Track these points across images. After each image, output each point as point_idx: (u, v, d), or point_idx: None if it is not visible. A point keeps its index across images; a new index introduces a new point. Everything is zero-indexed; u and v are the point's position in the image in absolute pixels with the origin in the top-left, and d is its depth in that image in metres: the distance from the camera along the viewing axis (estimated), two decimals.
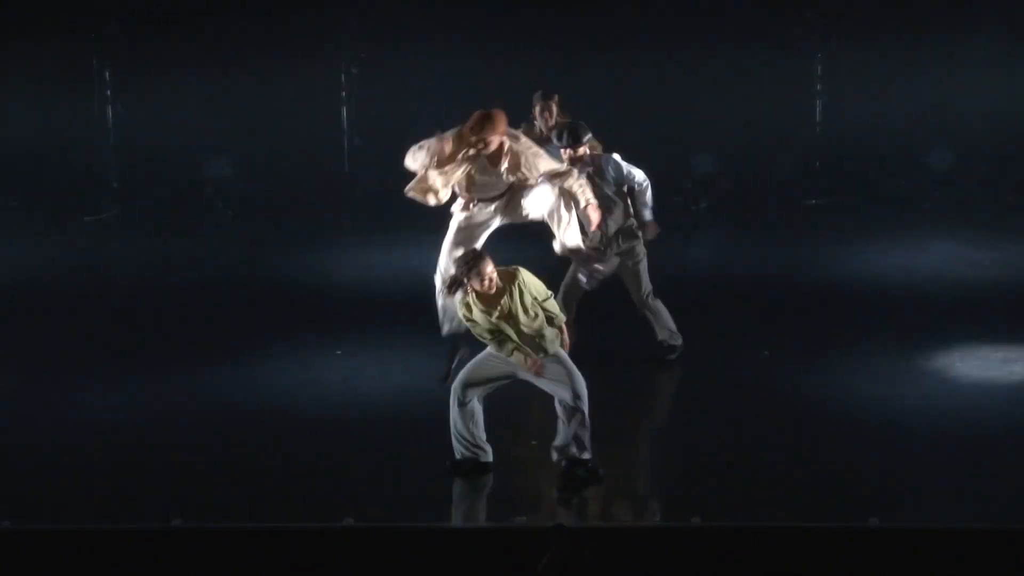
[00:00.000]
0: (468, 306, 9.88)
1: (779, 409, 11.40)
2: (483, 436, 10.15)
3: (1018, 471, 10.24)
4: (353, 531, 9.27)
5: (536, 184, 11.06)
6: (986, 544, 9.02)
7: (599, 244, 11.89)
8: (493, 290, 9.83)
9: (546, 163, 11.05)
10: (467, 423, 10.08)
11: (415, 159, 10.98)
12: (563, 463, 10.05)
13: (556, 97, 13.23)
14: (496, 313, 9.85)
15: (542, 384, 10.04)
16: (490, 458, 10.16)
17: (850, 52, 18.14)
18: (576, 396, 9.89)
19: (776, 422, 11.14)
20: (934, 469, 10.34)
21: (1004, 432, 10.89)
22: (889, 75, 18.08)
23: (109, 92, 18.35)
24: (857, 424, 11.09)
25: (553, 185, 11.11)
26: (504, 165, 10.92)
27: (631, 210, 12.08)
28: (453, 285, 9.92)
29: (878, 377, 11.97)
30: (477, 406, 10.10)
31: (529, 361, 9.88)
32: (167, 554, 9.17)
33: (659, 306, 12.23)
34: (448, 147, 10.88)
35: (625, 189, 12.03)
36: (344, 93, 18.38)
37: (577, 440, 9.97)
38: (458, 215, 11.26)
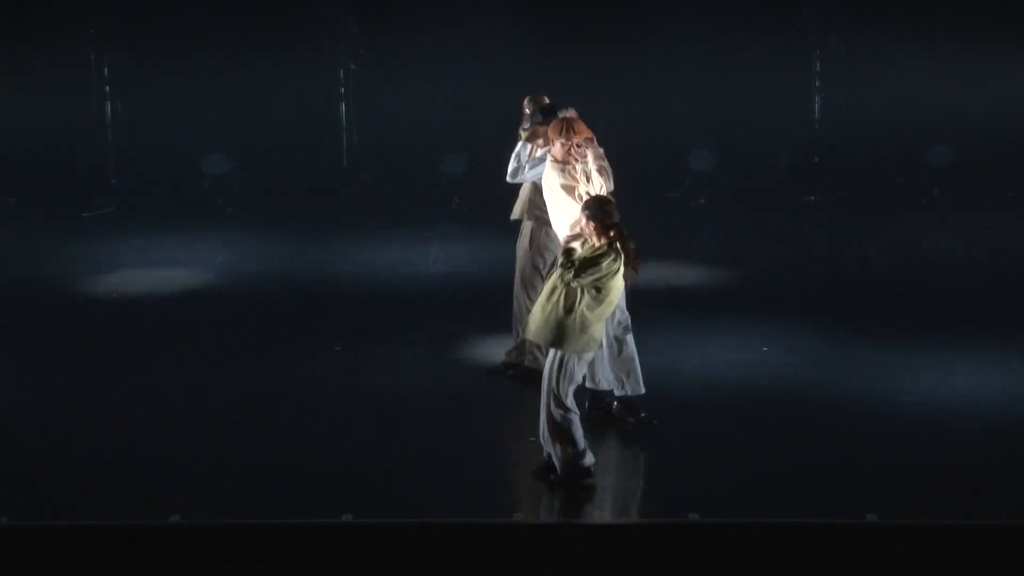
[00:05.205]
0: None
1: (777, 405, 11.41)
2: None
3: (1015, 467, 10.26)
4: (352, 527, 9.28)
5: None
6: (983, 540, 9.04)
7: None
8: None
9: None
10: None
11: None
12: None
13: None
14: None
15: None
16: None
17: (848, 48, 18.16)
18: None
19: (774, 418, 11.15)
20: (932, 465, 10.35)
21: (1002, 428, 10.90)
22: (887, 71, 18.10)
23: (108, 88, 18.35)
24: (855, 420, 11.10)
25: None
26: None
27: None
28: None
29: (875, 373, 11.98)
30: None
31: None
32: (165, 550, 9.18)
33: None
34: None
35: None
36: (343, 89, 18.39)
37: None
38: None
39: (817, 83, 18.24)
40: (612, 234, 9.75)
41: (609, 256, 9.73)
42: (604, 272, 9.71)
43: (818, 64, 18.21)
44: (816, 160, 18.19)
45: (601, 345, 10.15)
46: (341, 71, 18.36)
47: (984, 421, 11.03)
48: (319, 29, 18.30)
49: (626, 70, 18.15)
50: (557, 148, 10.80)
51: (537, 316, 9.88)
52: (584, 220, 9.83)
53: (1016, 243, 15.87)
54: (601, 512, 9.91)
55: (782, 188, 17.97)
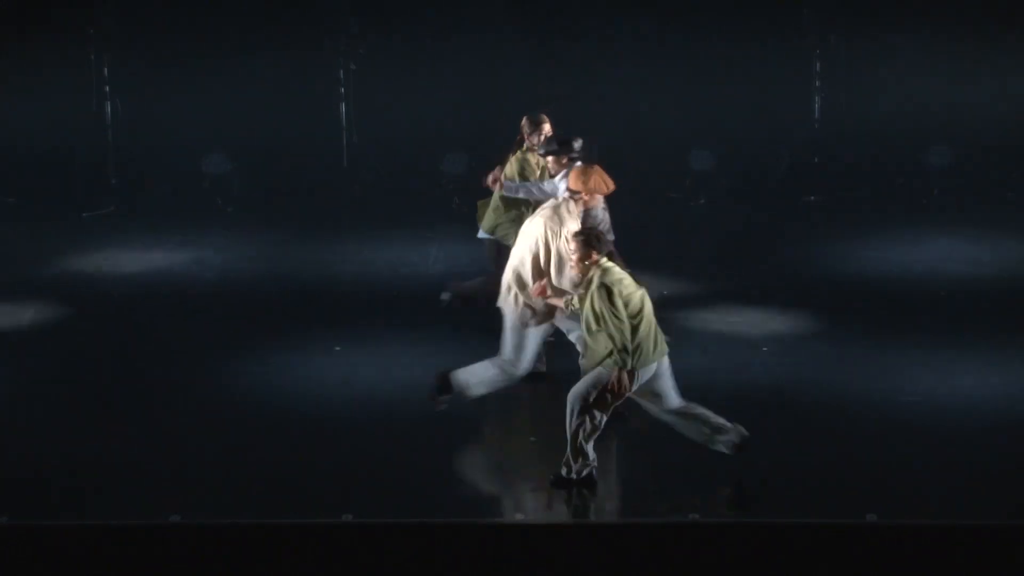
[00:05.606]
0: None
1: (777, 405, 11.41)
2: None
3: (1015, 467, 10.26)
4: (352, 527, 9.28)
5: None
6: (983, 540, 9.04)
7: None
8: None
9: None
10: None
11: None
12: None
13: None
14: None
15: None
16: None
17: (848, 48, 18.15)
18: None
19: (774, 418, 11.15)
20: (932, 465, 10.35)
21: (1002, 428, 10.90)
22: (887, 71, 18.10)
23: (108, 88, 18.35)
24: (855, 420, 11.10)
25: None
26: None
27: None
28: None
29: (875, 373, 11.98)
30: None
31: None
32: (165, 550, 9.18)
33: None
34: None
35: None
36: (343, 89, 18.39)
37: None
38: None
39: (817, 83, 18.22)
40: (590, 263, 9.84)
41: (598, 289, 9.74)
42: (606, 301, 9.74)
43: (818, 64, 18.19)
44: (816, 160, 18.18)
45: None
46: (341, 71, 18.35)
47: (984, 421, 11.03)
48: (319, 29, 18.30)
49: (626, 70, 18.14)
50: (591, 199, 10.91)
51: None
52: (573, 246, 9.93)
53: (1016, 243, 15.86)
54: (601, 512, 9.91)
55: (782, 188, 17.96)
